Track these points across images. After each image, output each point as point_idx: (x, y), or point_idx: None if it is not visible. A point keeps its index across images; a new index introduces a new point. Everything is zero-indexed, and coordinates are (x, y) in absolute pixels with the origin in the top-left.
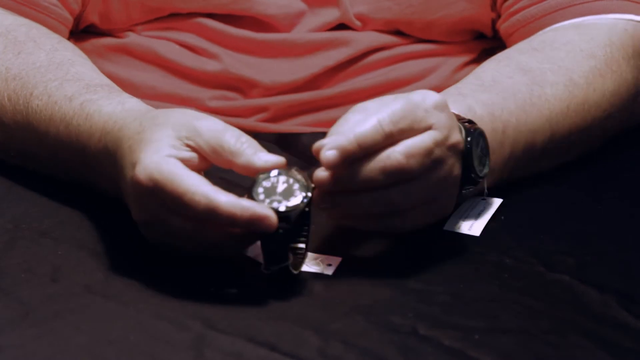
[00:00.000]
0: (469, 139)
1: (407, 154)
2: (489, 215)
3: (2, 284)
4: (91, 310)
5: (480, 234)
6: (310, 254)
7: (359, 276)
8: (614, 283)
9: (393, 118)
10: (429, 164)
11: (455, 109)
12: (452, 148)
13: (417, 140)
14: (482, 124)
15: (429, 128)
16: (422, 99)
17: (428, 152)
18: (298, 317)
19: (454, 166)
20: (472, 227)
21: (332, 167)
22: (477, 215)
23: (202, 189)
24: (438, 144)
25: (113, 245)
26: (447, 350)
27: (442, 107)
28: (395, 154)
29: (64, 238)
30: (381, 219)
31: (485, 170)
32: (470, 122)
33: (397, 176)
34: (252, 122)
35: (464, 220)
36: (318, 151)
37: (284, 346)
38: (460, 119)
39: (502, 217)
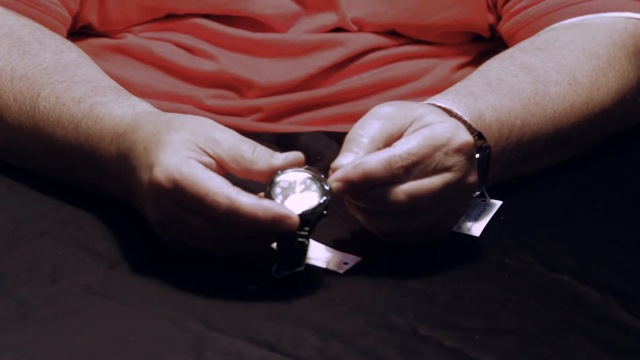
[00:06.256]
0: (477, 155)
1: (412, 195)
2: (489, 216)
3: (2, 284)
4: (91, 310)
5: (480, 234)
6: (327, 249)
7: (359, 276)
8: (614, 283)
9: (406, 161)
10: (435, 203)
11: (468, 114)
12: (465, 189)
13: (425, 182)
14: (490, 132)
15: (444, 170)
16: (448, 140)
17: (435, 195)
18: (298, 317)
19: (461, 204)
20: (472, 228)
21: (339, 194)
22: (478, 216)
23: (224, 190)
24: (449, 186)
25: (113, 246)
26: (447, 350)
27: (467, 150)
28: (400, 193)
29: (64, 238)
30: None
31: (478, 192)
32: (480, 135)
33: (399, 211)
34: (248, 122)
35: (464, 221)
36: (333, 171)
37: (284, 346)
38: (471, 132)
39: (502, 218)
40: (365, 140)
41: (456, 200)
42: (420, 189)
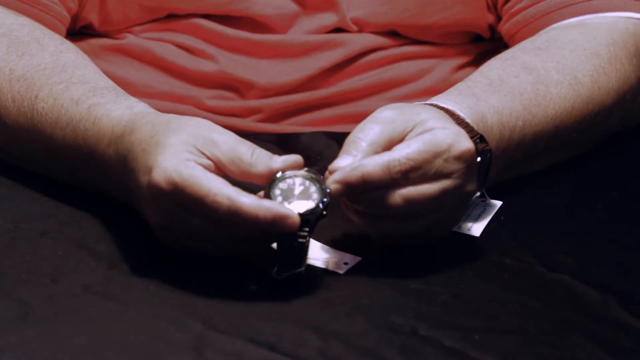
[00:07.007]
0: (478, 159)
1: (409, 200)
2: (489, 216)
3: (2, 284)
4: (91, 310)
5: (480, 234)
6: (327, 249)
7: (359, 276)
8: (614, 283)
9: (405, 166)
10: (433, 208)
11: (470, 116)
12: (463, 196)
13: (423, 188)
14: (492, 134)
15: (443, 177)
16: (448, 147)
17: (433, 200)
18: (298, 317)
19: (459, 210)
20: (472, 228)
21: (337, 196)
22: (478, 216)
23: (224, 191)
24: (447, 193)
25: (113, 245)
26: (447, 350)
27: (467, 157)
28: (397, 197)
29: (64, 238)
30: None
31: (478, 194)
32: (481, 138)
33: (396, 215)
34: (248, 122)
35: (464, 221)
36: (330, 173)
37: (284, 346)
38: (473, 135)
39: (502, 218)
40: (364, 144)
41: (454, 206)
42: (418, 194)
